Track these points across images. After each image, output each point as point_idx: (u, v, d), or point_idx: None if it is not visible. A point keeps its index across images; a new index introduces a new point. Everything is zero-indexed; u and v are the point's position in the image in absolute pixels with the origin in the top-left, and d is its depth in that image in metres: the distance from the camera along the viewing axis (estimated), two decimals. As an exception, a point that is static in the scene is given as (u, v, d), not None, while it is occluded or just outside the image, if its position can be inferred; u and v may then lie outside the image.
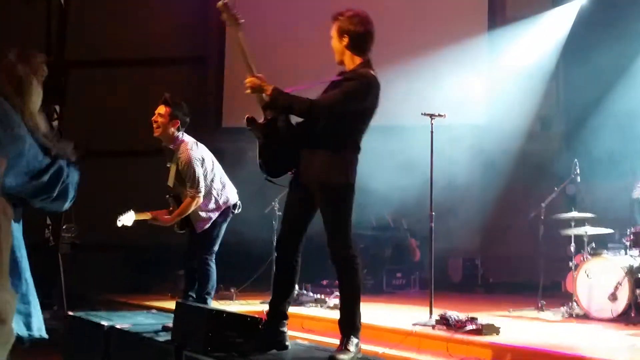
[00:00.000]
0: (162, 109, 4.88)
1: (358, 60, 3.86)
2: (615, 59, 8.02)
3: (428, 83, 8.15)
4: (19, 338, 1.83)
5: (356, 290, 3.91)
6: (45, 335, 1.92)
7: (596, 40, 8.11)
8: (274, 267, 4.16)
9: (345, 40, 3.83)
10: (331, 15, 3.88)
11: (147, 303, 6.83)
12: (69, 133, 9.70)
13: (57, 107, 7.71)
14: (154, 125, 4.88)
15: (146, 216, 5.05)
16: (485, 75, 8.56)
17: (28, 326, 1.85)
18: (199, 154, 4.95)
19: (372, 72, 3.81)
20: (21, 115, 1.86)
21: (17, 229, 1.98)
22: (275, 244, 4.06)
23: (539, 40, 8.76)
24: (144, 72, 10.34)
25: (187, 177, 4.87)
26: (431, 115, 5.66)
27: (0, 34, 8.75)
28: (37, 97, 2.13)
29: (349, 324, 3.85)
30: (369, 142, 8.81)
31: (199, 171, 4.88)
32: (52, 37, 9.82)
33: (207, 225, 5.02)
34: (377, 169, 8.17)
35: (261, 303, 6.54)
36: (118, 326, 4.60)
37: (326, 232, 3.84)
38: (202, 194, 4.89)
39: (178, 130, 4.91)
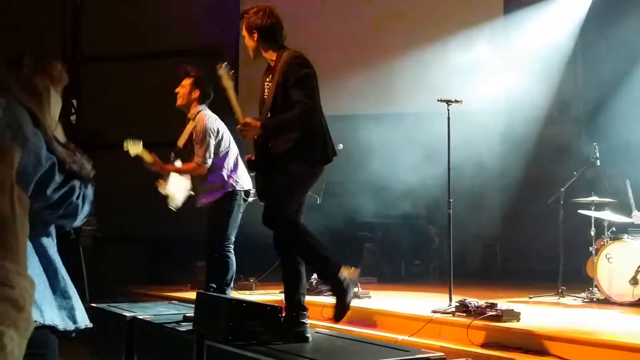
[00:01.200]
0: (185, 81, 4.98)
1: (274, 52, 3.97)
2: (634, 42, 7.90)
3: (444, 69, 8.10)
4: (66, 332, 1.89)
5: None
6: (90, 325, 1.99)
7: (615, 21, 7.99)
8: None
9: (255, 35, 3.94)
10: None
11: (168, 294, 6.89)
12: (86, 126, 9.84)
13: (74, 102, 7.78)
14: (177, 97, 5.00)
15: (147, 156, 5.05)
16: (503, 60, 8.48)
17: (73, 319, 1.92)
18: (215, 125, 4.94)
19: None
20: (39, 127, 1.82)
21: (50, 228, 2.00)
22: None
23: (557, 22, 8.64)
24: (160, 65, 10.37)
25: (198, 143, 4.86)
26: (447, 102, 5.61)
27: (15, 29, 8.81)
28: (56, 109, 2.09)
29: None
30: (386, 130, 8.84)
31: (211, 142, 4.87)
32: (67, 32, 9.88)
33: (208, 201, 5.00)
34: (395, 157, 8.17)
35: (280, 292, 6.57)
36: (140, 317, 4.65)
37: None
38: (207, 165, 4.88)
39: (199, 102, 4.97)
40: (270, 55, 3.99)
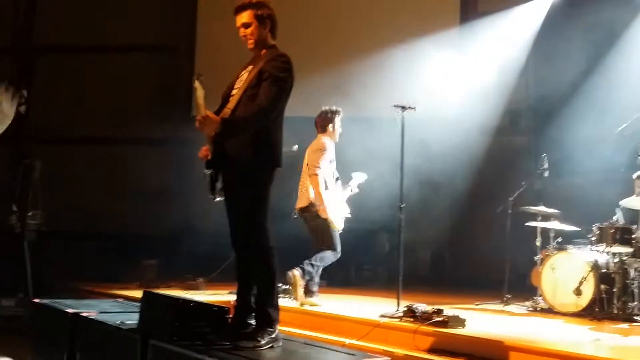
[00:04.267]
0: (244, 16, 3.99)
1: (273, 42, 4.02)
2: (585, 55, 8.13)
3: (400, 75, 8.18)
4: None
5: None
6: None
7: (566, 35, 8.21)
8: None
9: (269, 24, 3.98)
10: (238, 7, 3.98)
11: (114, 292, 6.76)
12: (36, 118, 9.59)
13: (25, 92, 7.57)
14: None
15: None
16: (457, 69, 8.60)
17: None
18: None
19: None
20: None
21: None
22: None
23: (511, 33, 8.83)
24: (113, 59, 10.20)
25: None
26: (402, 107, 5.67)
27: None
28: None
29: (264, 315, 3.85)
30: (340, 133, 8.79)
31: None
32: (19, 21, 9.64)
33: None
34: (348, 160, 8.19)
35: (229, 293, 6.51)
36: (84, 314, 4.54)
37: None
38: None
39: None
40: (263, 47, 4.00)
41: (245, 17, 3.97)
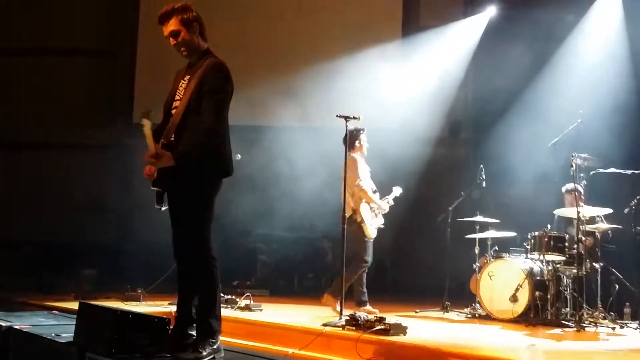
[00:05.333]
0: (170, 25, 3.91)
1: (206, 45, 3.96)
2: (522, 69, 8.38)
3: (344, 86, 8.26)
4: None
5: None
6: None
7: (504, 49, 8.45)
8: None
9: (197, 27, 3.89)
10: (162, 16, 3.88)
11: (49, 303, 6.54)
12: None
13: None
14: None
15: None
16: (399, 81, 8.74)
17: None
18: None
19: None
20: None
21: None
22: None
23: (450, 48, 9.04)
24: (52, 63, 9.93)
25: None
26: (346, 117, 5.72)
27: None
28: None
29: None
30: (284, 143, 8.83)
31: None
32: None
33: None
34: (292, 169, 8.22)
35: (169, 304, 6.41)
36: (17, 327, 4.38)
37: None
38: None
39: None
40: (197, 53, 3.92)
41: (171, 25, 3.87)
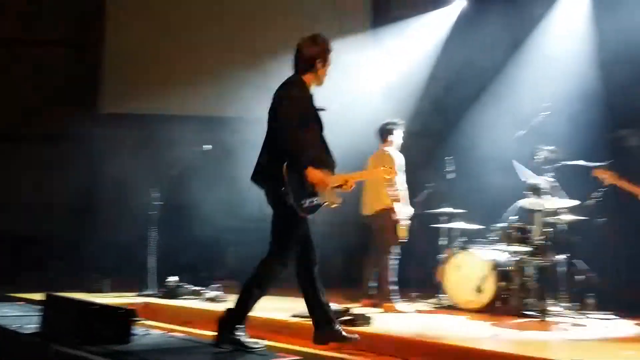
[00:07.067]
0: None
1: None
2: (490, 62, 8.46)
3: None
4: None
5: None
6: None
7: (473, 42, 8.52)
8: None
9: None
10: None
11: (14, 294, 6.46)
12: None
13: None
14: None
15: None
16: (368, 72, 8.76)
17: None
18: None
19: None
20: None
21: None
22: None
23: (420, 39, 9.08)
24: (19, 53, 9.74)
25: None
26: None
27: None
28: None
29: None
30: (256, 134, 8.82)
31: None
32: None
33: None
34: (249, 162, 8.19)
35: (137, 295, 6.38)
36: (-20, 319, 4.33)
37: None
38: None
39: None
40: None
41: None
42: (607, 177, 5.78)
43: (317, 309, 4.26)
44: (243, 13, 9.36)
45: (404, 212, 6.40)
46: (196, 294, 6.47)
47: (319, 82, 4.36)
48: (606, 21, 7.59)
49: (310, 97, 4.23)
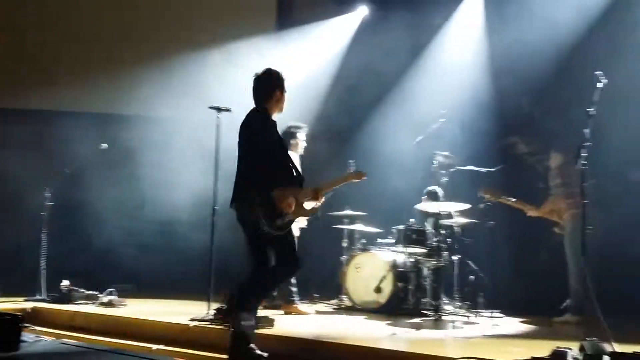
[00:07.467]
0: None
1: None
2: (392, 68, 8.66)
3: (217, 77, 8.15)
4: None
5: None
6: None
7: (375, 49, 8.69)
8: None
9: None
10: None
11: None
12: None
13: None
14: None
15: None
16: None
17: None
18: None
19: None
20: None
21: None
22: None
23: (324, 44, 9.18)
24: None
25: None
26: (218, 109, 5.67)
27: None
28: None
29: None
30: (155, 133, 8.56)
31: None
32: None
33: None
34: (162, 160, 8.01)
35: (24, 300, 6.06)
36: None
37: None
38: None
39: None
40: None
41: None
42: (490, 196, 6.12)
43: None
44: (141, 7, 9.11)
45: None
46: (91, 298, 6.23)
47: (280, 110, 4.74)
48: (497, 34, 7.97)
49: (274, 124, 4.61)
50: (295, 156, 6.56)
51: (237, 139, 4.58)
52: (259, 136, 4.46)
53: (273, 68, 4.80)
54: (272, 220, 4.32)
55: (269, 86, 4.69)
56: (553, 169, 6.43)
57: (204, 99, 6.37)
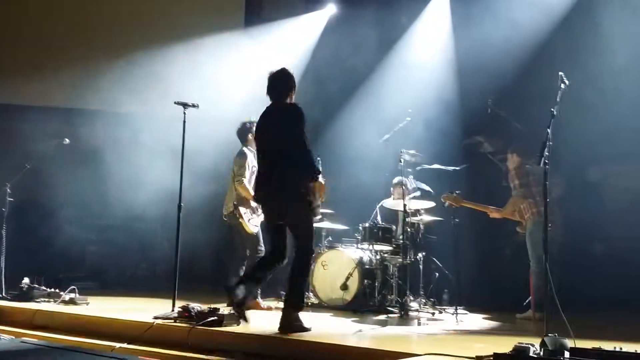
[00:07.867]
0: None
1: None
2: (358, 67, 8.69)
3: (184, 72, 8.08)
4: None
5: None
6: None
7: (343, 47, 8.71)
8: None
9: None
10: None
11: None
12: None
13: None
14: None
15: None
16: (240, 70, 8.71)
17: None
18: None
19: None
20: None
21: None
22: None
23: (292, 41, 9.17)
24: None
25: None
26: (184, 105, 5.61)
27: None
28: None
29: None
30: (119, 128, 8.46)
31: None
32: None
33: None
34: (126, 156, 7.90)
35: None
36: None
37: None
38: None
39: None
40: None
41: None
42: (452, 202, 6.19)
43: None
44: (110, 9, 8.99)
45: (253, 209, 6.38)
46: (52, 296, 6.11)
47: None
48: (463, 34, 8.06)
49: None
50: (252, 152, 6.51)
51: (262, 133, 5.00)
52: (303, 128, 4.85)
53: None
54: (313, 208, 4.79)
55: (290, 83, 5.08)
56: (511, 170, 6.51)
57: (170, 94, 6.30)
